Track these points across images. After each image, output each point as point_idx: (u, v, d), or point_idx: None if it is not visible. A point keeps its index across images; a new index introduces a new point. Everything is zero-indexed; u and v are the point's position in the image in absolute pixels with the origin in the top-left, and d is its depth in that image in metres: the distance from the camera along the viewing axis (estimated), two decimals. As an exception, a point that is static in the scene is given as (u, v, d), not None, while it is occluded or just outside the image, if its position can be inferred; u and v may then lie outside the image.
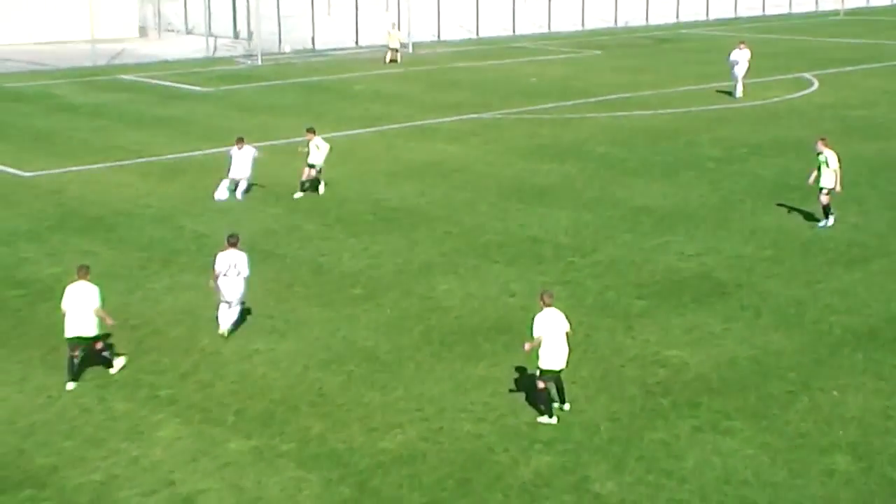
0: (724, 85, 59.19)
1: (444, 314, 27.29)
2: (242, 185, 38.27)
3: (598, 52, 78.77)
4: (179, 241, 33.01)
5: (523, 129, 50.43)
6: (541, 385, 21.30)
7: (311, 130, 38.61)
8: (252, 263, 25.87)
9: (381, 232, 33.97)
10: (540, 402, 21.55)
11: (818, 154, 34.19)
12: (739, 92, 55.63)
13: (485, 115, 53.71)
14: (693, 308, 27.77)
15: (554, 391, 21.54)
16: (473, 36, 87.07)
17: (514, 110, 54.84)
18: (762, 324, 26.86)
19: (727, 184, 40.36)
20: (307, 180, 38.12)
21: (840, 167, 34.06)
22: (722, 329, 26.47)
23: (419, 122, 51.82)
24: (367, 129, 50.33)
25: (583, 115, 53.83)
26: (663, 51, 79.88)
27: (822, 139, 34.74)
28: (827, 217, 34.28)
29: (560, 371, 21.36)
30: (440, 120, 52.39)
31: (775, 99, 57.12)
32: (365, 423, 21.65)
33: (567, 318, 21.63)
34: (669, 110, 54.79)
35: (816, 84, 62.38)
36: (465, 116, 53.33)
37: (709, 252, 32.17)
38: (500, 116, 53.58)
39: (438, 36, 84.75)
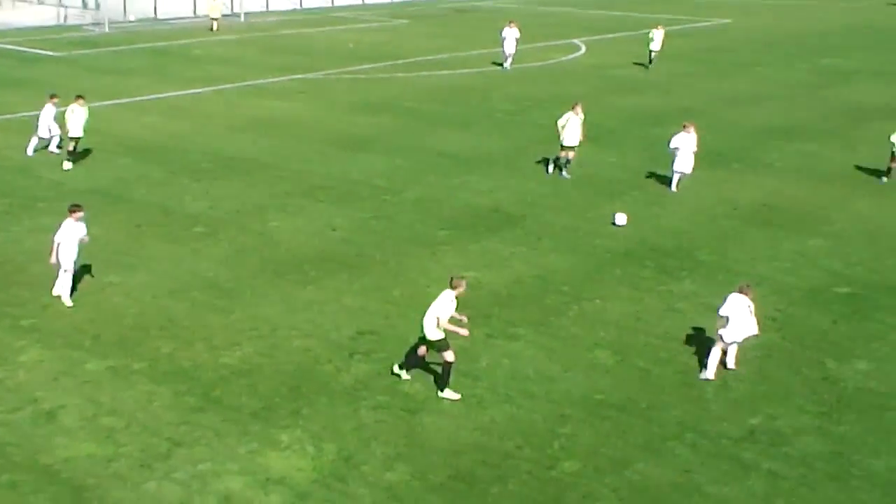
0: (492, 52, 59.57)
1: (276, 247, 27.46)
2: (55, 140, 36.55)
3: (407, 21, 78.74)
4: (39, 188, 32.41)
5: (343, 88, 50.46)
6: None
7: (78, 97, 35.84)
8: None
9: (220, 178, 33.88)
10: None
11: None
12: (508, 65, 55.27)
13: (310, 76, 53.56)
14: (487, 236, 28.41)
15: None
16: (298, 6, 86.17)
17: (335, 71, 54.78)
18: (542, 247, 27.68)
19: (515, 132, 41.12)
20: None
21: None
22: (510, 253, 27.18)
23: (253, 82, 51.46)
24: (207, 89, 49.77)
25: (393, 75, 54.00)
26: (461, 19, 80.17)
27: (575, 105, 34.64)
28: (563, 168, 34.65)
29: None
30: (272, 80, 52.11)
31: (551, 61, 57.99)
32: (208, 342, 21.80)
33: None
34: (466, 70, 55.25)
35: (584, 48, 63.42)
36: (293, 77, 53.11)
37: (500, 189, 32.84)
38: (323, 77, 53.47)
39: (267, 6, 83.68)
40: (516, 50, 54.48)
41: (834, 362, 21.26)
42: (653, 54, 54.83)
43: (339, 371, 20.67)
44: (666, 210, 30.99)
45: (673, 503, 16.43)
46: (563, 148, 33.42)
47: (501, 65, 55.21)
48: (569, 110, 33.55)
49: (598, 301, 24.14)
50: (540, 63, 56.56)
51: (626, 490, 16.69)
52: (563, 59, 59.25)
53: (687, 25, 73.04)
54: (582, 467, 17.27)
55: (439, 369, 19.52)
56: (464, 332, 19.64)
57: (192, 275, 25.48)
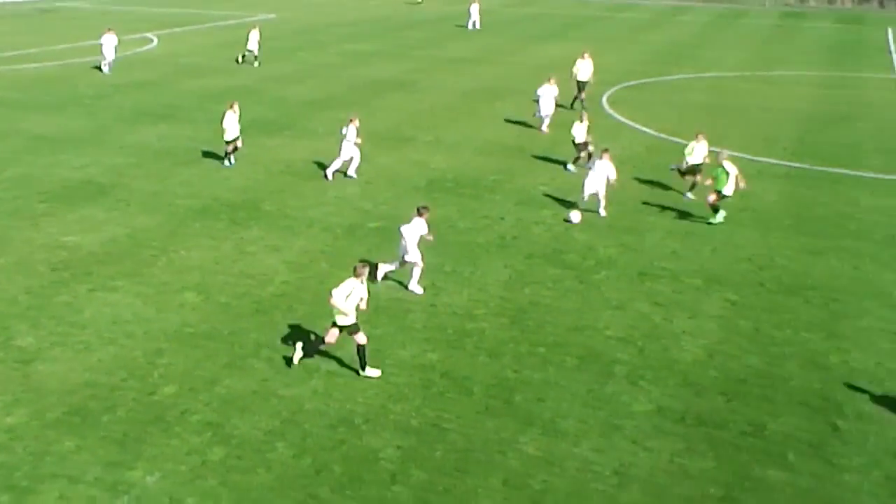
0: (75, 46, 57.52)
1: None
2: None
3: None
4: None
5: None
6: None
7: None
8: None
9: None
10: None
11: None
12: (106, 67, 52.39)
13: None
14: (83, 205, 27.75)
15: None
16: None
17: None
18: (132, 210, 27.40)
19: (101, 114, 39.95)
20: None
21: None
22: (104, 218, 26.72)
23: None
24: None
25: None
26: (45, 18, 76.11)
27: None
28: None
29: None
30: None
31: (129, 52, 56.36)
32: None
33: None
34: (53, 63, 52.79)
35: (156, 41, 62.08)
36: None
37: (92, 164, 32.03)
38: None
39: None
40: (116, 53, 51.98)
41: (370, 281, 22.39)
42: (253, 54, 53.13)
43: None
44: (234, 172, 31.31)
45: (255, 407, 16.98)
46: (227, 143, 32.25)
47: (99, 68, 52.41)
48: (227, 107, 32.00)
49: (182, 252, 24.24)
50: (122, 54, 54.73)
51: (217, 402, 17.12)
52: (139, 50, 57.70)
53: (241, 20, 72.78)
54: (179, 389, 17.52)
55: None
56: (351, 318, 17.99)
57: None
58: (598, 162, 27.28)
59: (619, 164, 32.93)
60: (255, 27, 53.52)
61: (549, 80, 37.48)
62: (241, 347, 19.12)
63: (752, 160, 34.33)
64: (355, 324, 17.97)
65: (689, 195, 29.49)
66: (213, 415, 16.68)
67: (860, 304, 22.31)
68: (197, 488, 14.66)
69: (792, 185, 31.71)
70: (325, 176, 30.75)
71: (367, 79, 48.75)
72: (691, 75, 53.08)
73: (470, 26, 70.98)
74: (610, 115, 41.87)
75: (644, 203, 29.13)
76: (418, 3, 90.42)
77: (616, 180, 27.50)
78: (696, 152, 29.13)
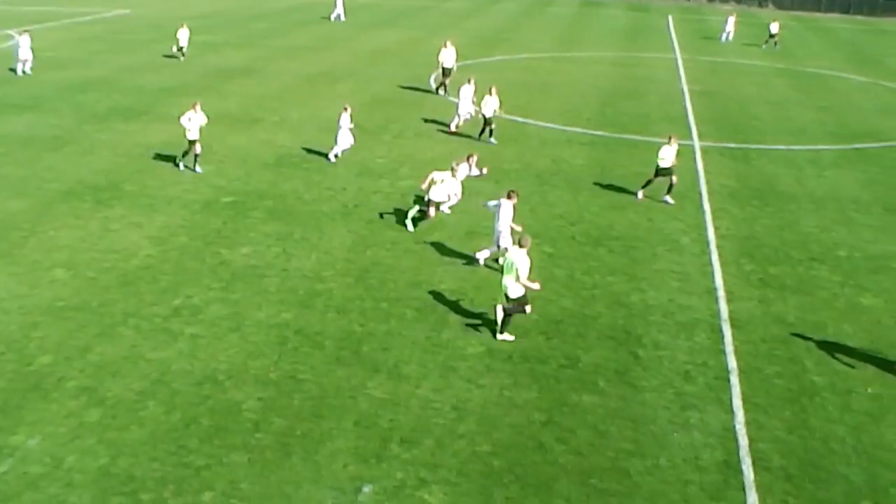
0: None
1: None
2: None
3: None
4: None
5: None
6: None
7: None
8: None
9: None
10: None
11: None
12: None
13: None
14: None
15: None
16: None
17: None
18: (2, 195, 26.03)
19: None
20: None
21: None
22: (-27, 204, 25.26)
23: None
24: None
25: None
26: None
27: None
28: None
29: None
30: None
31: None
32: None
33: None
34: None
35: (17, 37, 58.96)
36: None
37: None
38: None
39: None
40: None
41: (227, 251, 22.03)
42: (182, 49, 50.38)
43: None
44: (96, 156, 30.14)
45: (126, 371, 16.51)
46: (190, 142, 30.01)
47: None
48: (190, 109, 28.49)
49: (51, 232, 23.25)
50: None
51: (91, 368, 16.57)
52: (2, 46, 54.72)
53: (98, 16, 69.80)
54: (54, 358, 16.88)
55: None
56: (535, 286, 17.57)
57: None
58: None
59: (447, 137, 33.19)
60: (182, 25, 51.02)
61: (468, 80, 35.10)
62: (110, 317, 18.51)
63: (562, 129, 35.02)
64: (524, 295, 17.75)
65: (668, 198, 26.74)
66: (87, 380, 16.13)
67: (654, 250, 23.11)
68: (76, 447, 14.20)
69: (595, 150, 32.51)
70: (328, 158, 29.96)
71: (218, 67, 47.52)
72: (507, 57, 53.68)
73: (333, 18, 69.40)
74: (439, 95, 41.95)
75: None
76: None
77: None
78: (667, 156, 26.17)
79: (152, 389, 15.89)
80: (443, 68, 41.49)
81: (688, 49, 62.05)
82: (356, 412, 15.39)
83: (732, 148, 33.82)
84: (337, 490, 13.45)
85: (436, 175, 23.81)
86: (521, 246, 17.33)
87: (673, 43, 64.68)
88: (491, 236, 21.75)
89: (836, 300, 20.72)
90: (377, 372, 16.68)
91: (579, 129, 35.62)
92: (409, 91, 42.37)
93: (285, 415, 15.25)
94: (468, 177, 25.09)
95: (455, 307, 19.39)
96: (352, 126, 30.01)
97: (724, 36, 66.83)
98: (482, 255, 21.46)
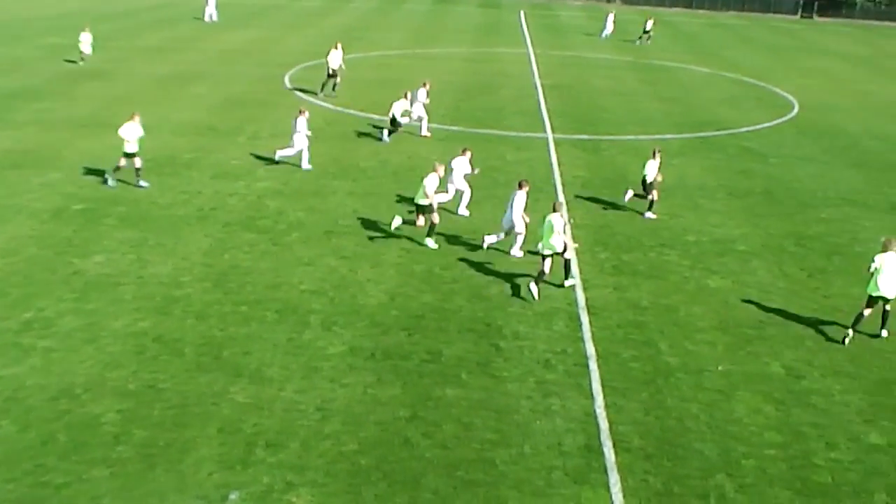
0: None
1: None
2: None
3: None
4: None
5: None
6: None
7: None
8: None
9: None
10: None
11: None
12: None
13: None
14: None
15: None
16: None
17: None
18: None
19: None
20: None
21: None
22: None
23: None
24: None
25: None
26: None
27: None
28: None
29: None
30: None
31: None
32: None
33: None
34: None
35: None
36: None
37: None
38: None
39: None
40: None
41: (79, 260, 21.29)
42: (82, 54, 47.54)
43: None
44: (-67, 167, 28.63)
45: (-28, 388, 15.71)
46: (125, 155, 27.88)
47: None
48: (129, 120, 26.86)
49: None
50: None
51: (-67, 388, 15.66)
52: None
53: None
54: None
55: None
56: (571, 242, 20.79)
57: None
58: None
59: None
60: (85, 29, 48.33)
61: (423, 84, 34.76)
62: (-41, 335, 17.60)
63: (418, 126, 35.13)
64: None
65: (650, 214, 26.08)
66: (-68, 402, 15.34)
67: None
68: (-79, 473, 13.45)
69: (451, 145, 32.77)
70: (276, 160, 29.28)
71: (66, 70, 45.77)
72: (361, 54, 53.56)
73: (207, 18, 67.55)
74: (293, 94, 41.56)
75: (327, 170, 29.22)
76: None
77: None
78: (650, 170, 25.57)
79: (5, 407, 15.20)
80: (329, 70, 40.99)
81: (540, 44, 63.28)
82: (219, 418, 15.11)
83: (584, 140, 34.67)
84: (203, 499, 13.17)
85: (427, 182, 22.80)
86: (554, 210, 20.11)
87: (525, 38, 65.84)
88: (500, 223, 22.92)
89: (686, 283, 21.50)
90: (239, 376, 16.41)
91: (435, 125, 35.84)
92: (263, 91, 41.81)
93: (146, 426, 14.84)
94: (467, 175, 25.52)
95: (315, 307, 19.26)
96: (308, 133, 29.27)
97: (605, 33, 68.70)
98: (489, 240, 22.45)
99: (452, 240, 23.49)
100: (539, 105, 40.74)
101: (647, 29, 66.02)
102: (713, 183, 29.87)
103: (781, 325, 19.50)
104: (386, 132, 33.26)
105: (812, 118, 41.42)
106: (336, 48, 41.47)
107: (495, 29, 70.92)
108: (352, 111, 37.45)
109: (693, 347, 18.27)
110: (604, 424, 15.40)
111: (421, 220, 22.57)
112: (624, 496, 13.59)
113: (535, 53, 58.17)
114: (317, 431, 14.86)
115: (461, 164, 25.06)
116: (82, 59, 47.39)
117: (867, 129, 40.00)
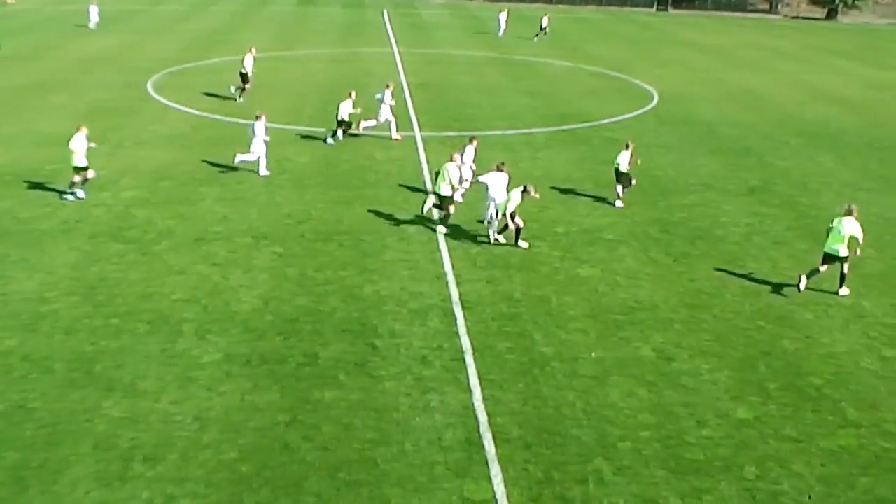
0: None
1: None
2: None
3: None
4: None
5: None
6: None
7: None
8: None
9: None
10: None
11: None
12: None
13: None
14: None
15: None
16: None
17: None
18: None
19: None
20: None
21: None
22: None
23: None
24: None
25: None
26: None
27: None
28: None
29: None
30: None
31: None
32: None
33: None
34: None
35: None
36: None
37: None
38: None
39: None
40: None
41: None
42: None
43: None
44: None
45: None
46: (76, 169, 26.04)
47: None
48: (77, 132, 25.56)
49: None
50: None
51: None
52: None
53: None
54: None
55: None
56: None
57: None
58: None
59: (168, 143, 32.25)
60: None
61: (386, 86, 34.00)
62: None
63: (284, 129, 34.90)
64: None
65: (619, 202, 26.96)
66: None
67: (383, 241, 23.58)
68: None
69: (318, 147, 32.66)
70: (235, 165, 28.76)
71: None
72: (226, 58, 52.72)
73: (92, 25, 65.08)
74: (156, 100, 40.66)
75: (195, 177, 28.73)
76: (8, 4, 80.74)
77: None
78: (622, 160, 26.45)
79: None
80: (241, 74, 40.12)
81: (404, 42, 63.53)
82: (94, 435, 14.73)
83: (452, 136, 35.00)
84: (79, 519, 12.83)
85: (450, 168, 23.88)
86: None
87: (390, 37, 65.98)
88: (482, 206, 23.92)
89: (556, 274, 21.99)
90: (113, 391, 16.03)
91: (302, 127, 35.64)
92: (126, 98, 40.75)
93: (17, 447, 14.35)
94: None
95: (188, 316, 18.95)
96: (266, 138, 28.47)
97: (500, 31, 69.34)
98: (492, 232, 23.30)
99: (324, 240, 23.44)
100: (406, 103, 40.92)
101: (544, 26, 67.17)
102: (580, 174, 30.60)
103: (650, 309, 20.16)
104: (331, 135, 32.95)
105: (671, 108, 42.85)
106: (250, 52, 40.82)
107: (360, 29, 70.87)
108: (217, 116, 36.87)
109: (566, 336, 18.71)
110: (483, 417, 15.64)
111: (451, 208, 23.64)
112: (506, 486, 13.85)
113: (399, 52, 58.38)
114: (195, 441, 14.65)
115: (469, 155, 26.43)
116: None
117: (723, 116, 41.63)
